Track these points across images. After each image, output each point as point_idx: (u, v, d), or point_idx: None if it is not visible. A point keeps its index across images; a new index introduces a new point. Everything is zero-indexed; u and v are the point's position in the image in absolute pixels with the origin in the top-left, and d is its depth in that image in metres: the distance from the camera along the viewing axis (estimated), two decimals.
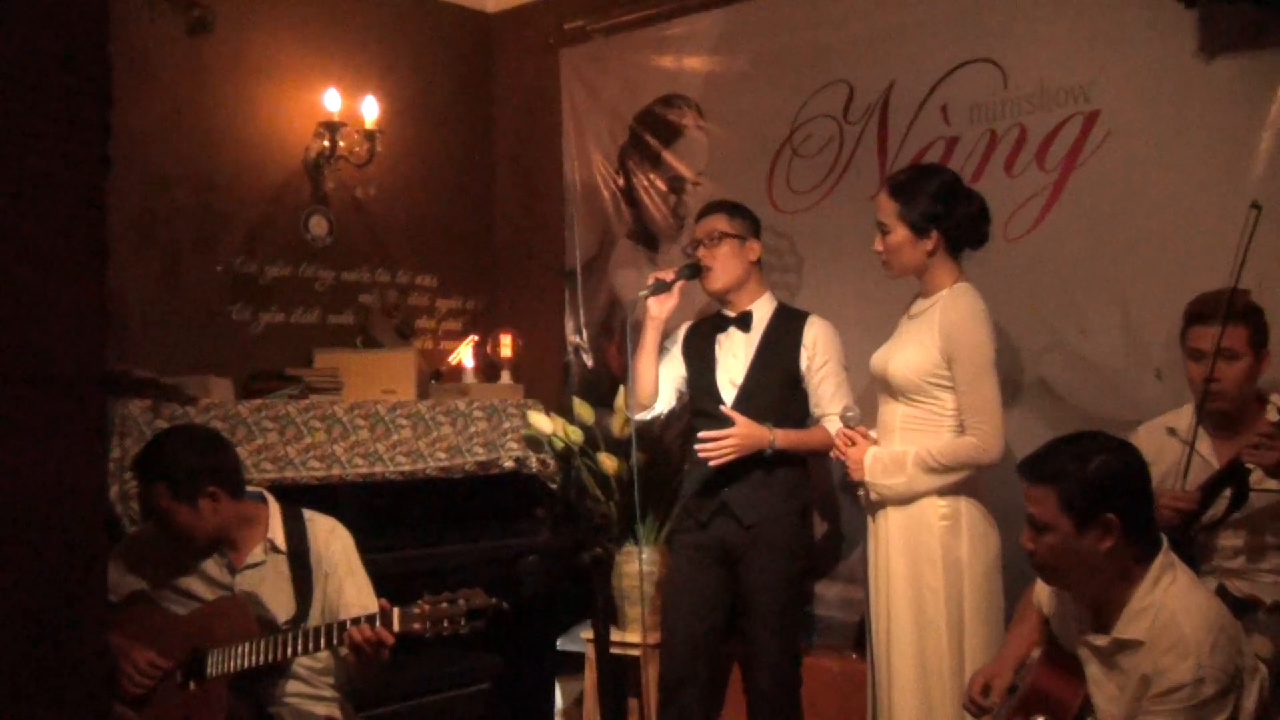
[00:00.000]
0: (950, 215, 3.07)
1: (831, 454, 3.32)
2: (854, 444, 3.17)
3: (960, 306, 3.04)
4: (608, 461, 4.15)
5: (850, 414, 3.21)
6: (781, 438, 3.40)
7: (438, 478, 4.14)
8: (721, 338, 3.61)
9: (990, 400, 2.99)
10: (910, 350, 3.08)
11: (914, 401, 3.10)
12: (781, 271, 4.26)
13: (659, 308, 3.55)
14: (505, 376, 4.83)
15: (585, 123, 4.86)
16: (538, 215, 5.08)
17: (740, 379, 3.54)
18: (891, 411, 3.16)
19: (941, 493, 3.03)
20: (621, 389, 3.80)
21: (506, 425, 4.33)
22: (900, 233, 3.10)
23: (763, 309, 3.62)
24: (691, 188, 4.57)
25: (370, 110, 4.59)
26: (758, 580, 3.48)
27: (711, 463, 3.36)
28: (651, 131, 4.67)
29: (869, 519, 3.18)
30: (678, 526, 3.67)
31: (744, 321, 3.60)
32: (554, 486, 4.38)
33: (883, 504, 3.12)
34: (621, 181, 4.78)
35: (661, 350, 3.68)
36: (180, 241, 4.21)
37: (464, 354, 4.87)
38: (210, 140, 4.29)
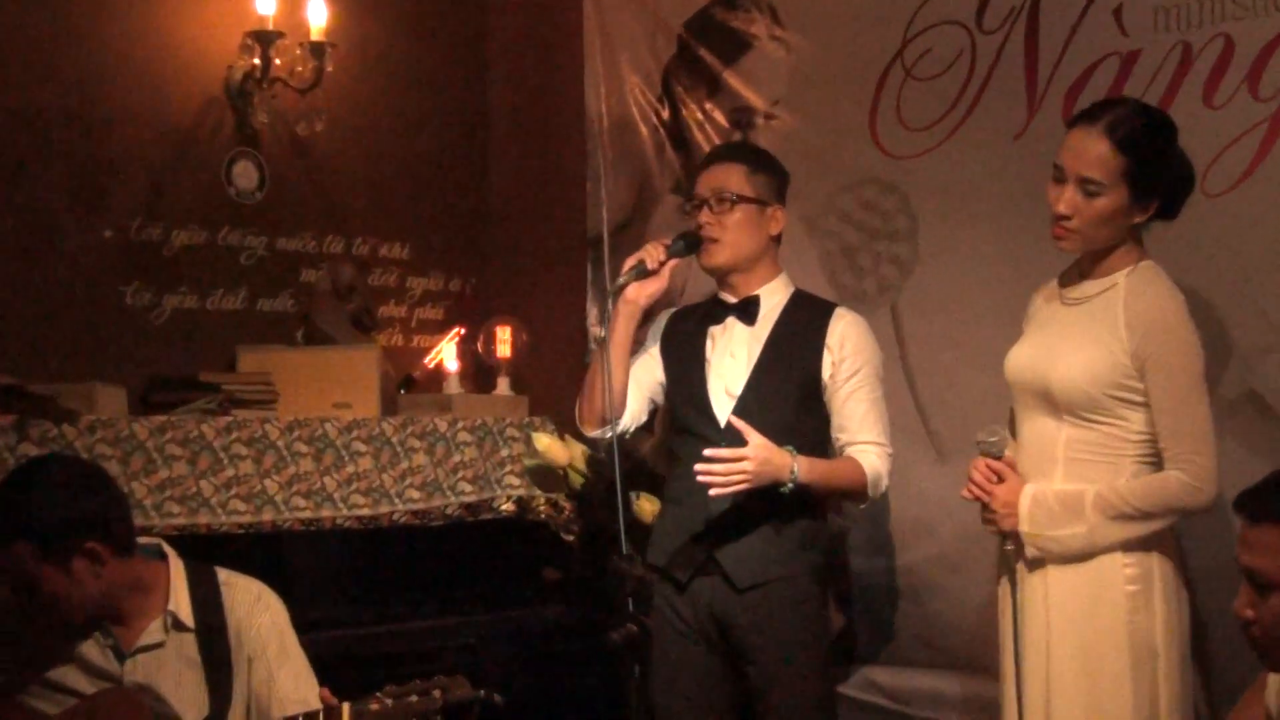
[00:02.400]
0: (1177, 176, 3.11)
1: (963, 493, 3.28)
2: (1001, 479, 3.14)
3: (1155, 295, 3.05)
4: (646, 505, 4.14)
5: (993, 439, 3.17)
6: (806, 469, 3.43)
7: (409, 525, 4.18)
8: (715, 331, 3.67)
9: (1202, 423, 3.00)
10: (1087, 351, 3.06)
11: (1087, 422, 3.07)
12: (888, 240, 4.23)
13: (638, 292, 3.61)
14: (503, 385, 4.84)
15: (615, 33, 4.88)
16: (549, 162, 5.10)
17: (739, 387, 3.59)
18: (1049, 435, 3.13)
19: (1128, 547, 3.03)
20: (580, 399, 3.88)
21: (504, 453, 4.37)
22: (1117, 196, 3.06)
23: (774, 295, 3.67)
24: (764, 122, 4.54)
25: (317, 14, 4.56)
26: (769, 676, 3.52)
27: (714, 493, 3.39)
28: (708, 44, 4.67)
29: (1005, 582, 3.18)
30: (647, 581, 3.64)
31: (747, 311, 3.65)
32: (569, 539, 4.36)
33: (1040, 562, 3.11)
34: (666, 114, 4.78)
35: (635, 345, 3.74)
36: (54, 199, 4.20)
37: (446, 354, 4.87)
38: (96, 60, 4.27)
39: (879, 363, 3.63)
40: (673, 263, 3.61)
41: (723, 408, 3.57)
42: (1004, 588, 3.16)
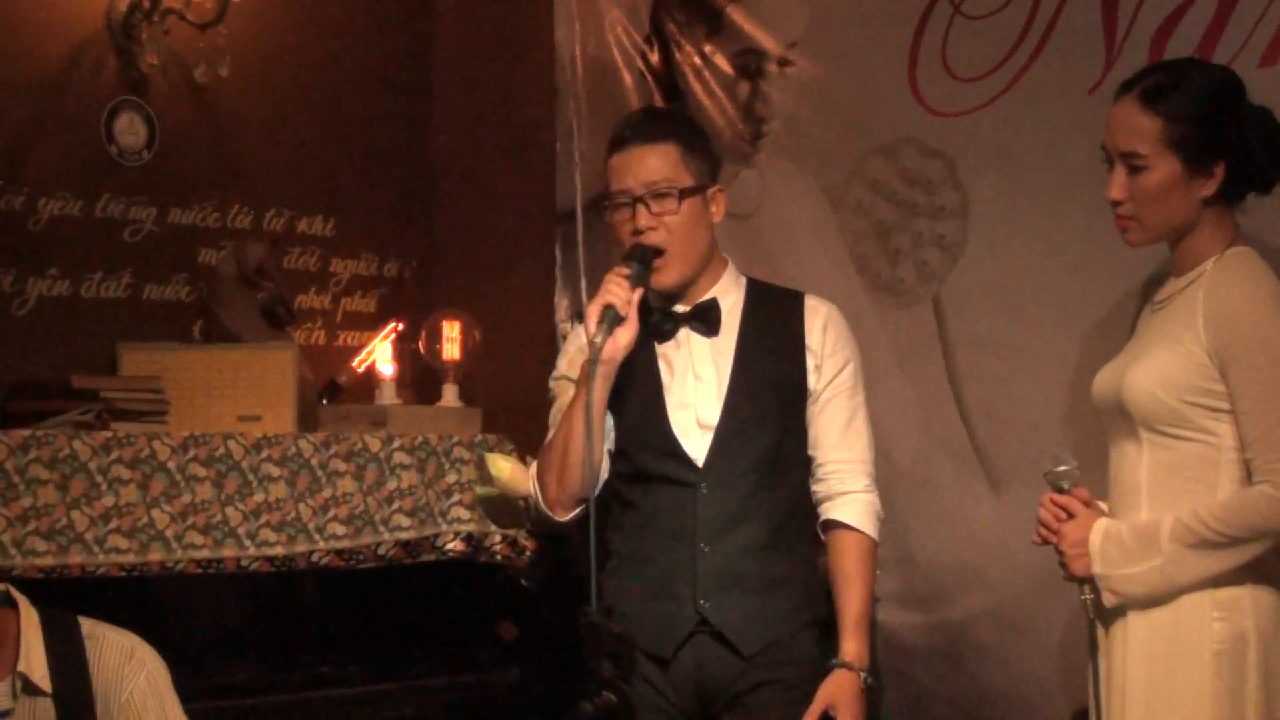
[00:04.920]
0: (1245, 143, 3.10)
1: (1033, 539, 3.32)
2: (1071, 517, 3.18)
3: (1235, 281, 3.07)
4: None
5: (1061, 468, 3.22)
6: (859, 651, 3.52)
7: (331, 568, 4.15)
8: (668, 351, 3.66)
9: None
10: (1158, 356, 3.11)
11: (1169, 439, 3.11)
12: (930, 218, 4.26)
13: (614, 347, 3.53)
14: (450, 394, 4.85)
15: None
16: (510, 117, 5.12)
17: (713, 417, 3.58)
18: (1130, 461, 3.19)
19: (1218, 585, 3.03)
20: (530, 471, 3.80)
21: (451, 479, 4.37)
22: (1166, 168, 3.11)
23: (728, 294, 3.67)
24: (776, 70, 4.56)
25: None
26: None
27: None
28: None
29: (1099, 634, 3.20)
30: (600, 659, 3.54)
31: (706, 320, 3.63)
32: (528, 584, 4.37)
33: (1122, 611, 3.13)
34: (656, 57, 4.81)
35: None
36: None
37: (379, 355, 4.89)
38: None
39: (859, 360, 3.67)
40: (637, 295, 3.55)
41: (696, 445, 3.57)
42: (1100, 640, 3.18)
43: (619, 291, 3.49)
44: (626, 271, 3.53)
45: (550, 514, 3.69)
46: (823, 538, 3.63)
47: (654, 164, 3.55)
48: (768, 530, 3.55)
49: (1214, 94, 3.13)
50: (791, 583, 3.59)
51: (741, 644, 3.51)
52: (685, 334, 3.62)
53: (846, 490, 3.57)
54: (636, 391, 3.61)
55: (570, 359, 3.74)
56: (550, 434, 3.67)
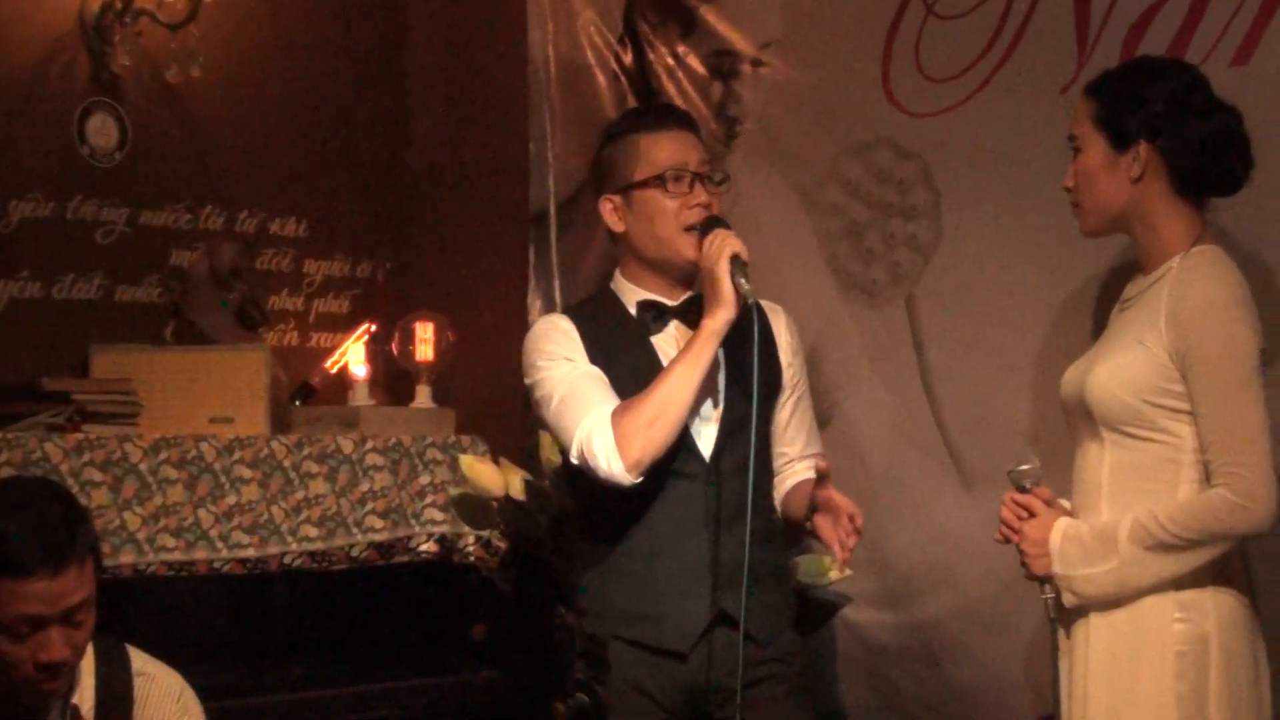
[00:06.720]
0: (1178, 127, 3.13)
1: (995, 537, 3.32)
2: (1032, 516, 3.18)
3: (1198, 281, 3.08)
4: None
5: (1023, 467, 3.21)
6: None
7: (304, 570, 4.15)
8: (660, 343, 3.64)
9: (1252, 428, 3.01)
10: (1121, 356, 3.13)
11: (1130, 439, 3.13)
12: (904, 217, 4.27)
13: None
14: (423, 395, 4.86)
15: None
16: (483, 118, 5.13)
17: (717, 408, 3.59)
18: (1093, 460, 3.20)
19: (1180, 586, 3.05)
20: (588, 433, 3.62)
21: (425, 480, 4.39)
22: (1095, 148, 3.18)
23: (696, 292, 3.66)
24: (751, 70, 4.58)
25: None
26: None
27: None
28: None
29: (1060, 635, 3.20)
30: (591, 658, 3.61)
31: (697, 312, 3.56)
32: (505, 587, 4.37)
33: (1083, 611, 3.14)
34: (629, 58, 4.83)
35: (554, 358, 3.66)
36: None
37: (352, 356, 4.90)
38: None
39: None
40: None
41: (703, 437, 3.58)
42: (1060, 641, 3.19)
43: (734, 241, 3.45)
44: (726, 230, 3.49)
45: (622, 476, 3.49)
46: (783, 513, 3.64)
47: (695, 148, 3.59)
48: (769, 521, 3.57)
49: (1140, 76, 3.18)
50: (786, 575, 3.66)
51: (761, 633, 3.49)
52: (676, 326, 3.61)
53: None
54: (638, 384, 3.53)
55: (557, 342, 3.64)
56: (645, 395, 3.48)
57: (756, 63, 4.55)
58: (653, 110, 3.82)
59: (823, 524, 3.44)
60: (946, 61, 4.21)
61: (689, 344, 3.50)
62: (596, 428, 3.46)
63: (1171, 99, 3.14)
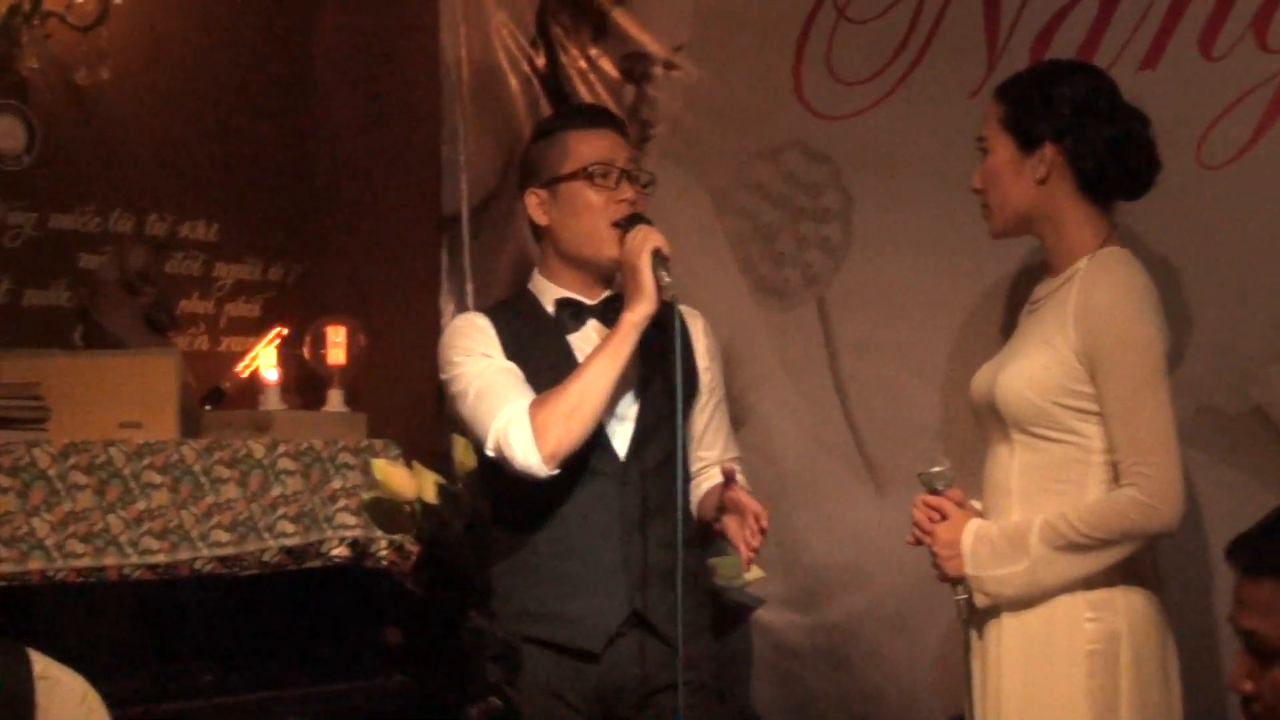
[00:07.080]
0: (1084, 129, 3.16)
1: (907, 539, 3.33)
2: (944, 518, 3.19)
3: (1106, 282, 3.11)
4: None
5: (936, 469, 3.22)
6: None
7: (214, 575, 4.13)
8: (575, 341, 3.64)
9: (1159, 429, 3.04)
10: (1029, 357, 3.15)
11: (1039, 440, 3.15)
12: (815, 220, 4.27)
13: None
14: (335, 399, 4.87)
15: None
16: (394, 121, 5.13)
17: (632, 408, 3.58)
18: (1003, 461, 3.22)
19: (1090, 585, 3.07)
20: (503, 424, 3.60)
21: (336, 484, 4.38)
22: (1002, 149, 3.22)
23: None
24: (662, 73, 4.60)
25: None
26: None
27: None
28: None
29: (972, 635, 3.21)
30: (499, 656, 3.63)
31: (614, 312, 3.57)
32: (416, 590, 4.37)
33: (995, 611, 3.15)
34: (541, 61, 4.82)
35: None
36: None
37: (263, 360, 4.90)
38: None
39: None
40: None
41: (618, 436, 3.57)
42: (973, 641, 3.20)
43: (657, 236, 3.46)
44: (650, 226, 3.50)
45: (538, 468, 3.47)
46: (697, 515, 3.62)
47: (624, 147, 3.61)
48: (685, 524, 3.49)
49: (1047, 78, 3.22)
50: (702, 578, 3.67)
51: (673, 638, 3.43)
52: (593, 325, 3.62)
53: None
54: (554, 381, 3.52)
55: (473, 339, 3.62)
56: (563, 387, 3.47)
57: (669, 65, 4.57)
58: (583, 109, 3.87)
59: (730, 524, 3.45)
60: (858, 65, 4.22)
61: (608, 337, 3.51)
62: (514, 419, 3.44)
63: (1078, 101, 3.17)
